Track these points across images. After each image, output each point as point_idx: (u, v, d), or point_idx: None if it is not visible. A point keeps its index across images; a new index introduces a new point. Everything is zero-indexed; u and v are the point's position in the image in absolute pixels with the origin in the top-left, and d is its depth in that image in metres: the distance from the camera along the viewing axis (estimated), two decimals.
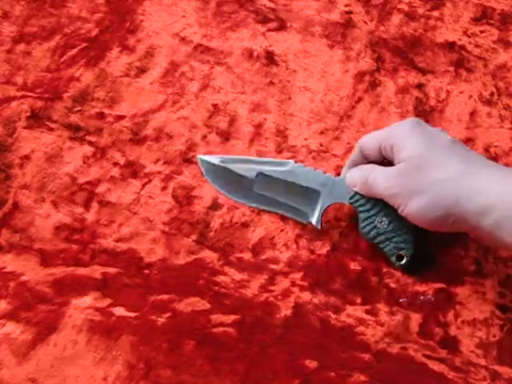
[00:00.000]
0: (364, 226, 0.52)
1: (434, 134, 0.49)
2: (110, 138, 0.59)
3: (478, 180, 0.45)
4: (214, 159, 0.56)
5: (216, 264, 0.53)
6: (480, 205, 0.44)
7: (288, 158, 0.57)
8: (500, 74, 0.62)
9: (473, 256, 0.54)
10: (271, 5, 0.65)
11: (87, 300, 0.51)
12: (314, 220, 0.53)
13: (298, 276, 0.53)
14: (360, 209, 0.52)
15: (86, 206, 0.56)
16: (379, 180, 0.49)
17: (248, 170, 0.55)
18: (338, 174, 0.57)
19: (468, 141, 0.59)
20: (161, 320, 0.51)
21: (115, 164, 0.57)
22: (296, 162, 0.55)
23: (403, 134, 0.49)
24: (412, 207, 0.47)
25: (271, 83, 0.61)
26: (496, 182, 0.45)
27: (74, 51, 0.62)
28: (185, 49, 0.63)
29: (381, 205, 0.52)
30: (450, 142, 0.48)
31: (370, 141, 0.51)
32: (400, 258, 0.52)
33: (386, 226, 0.52)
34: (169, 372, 0.49)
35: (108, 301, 0.51)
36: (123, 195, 0.56)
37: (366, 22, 0.64)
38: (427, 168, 0.46)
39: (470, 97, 0.61)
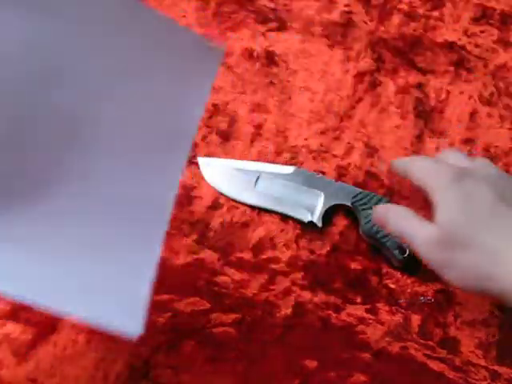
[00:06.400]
0: (366, 223, 0.53)
1: (475, 196, 0.43)
2: None
3: None
4: (215, 161, 0.57)
5: (216, 264, 0.53)
6: None
7: (288, 159, 0.57)
8: (500, 73, 0.62)
9: None
10: (271, 5, 0.65)
11: None
12: (315, 219, 0.54)
13: (298, 276, 0.53)
14: (362, 207, 0.53)
15: None
16: (419, 242, 0.44)
17: (250, 170, 0.56)
18: (340, 175, 0.57)
19: (468, 141, 0.59)
20: (161, 320, 0.51)
21: None
22: (298, 167, 0.56)
23: (439, 191, 0.44)
24: (449, 278, 0.44)
25: (271, 83, 0.61)
26: None
27: None
28: None
29: (383, 202, 0.53)
30: (491, 203, 0.43)
31: (412, 175, 0.48)
32: (402, 251, 0.52)
33: None
34: (169, 372, 0.49)
35: None
36: None
37: (365, 22, 0.64)
38: (463, 242, 0.42)
39: (470, 97, 0.61)
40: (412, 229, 0.45)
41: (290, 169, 0.56)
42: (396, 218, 0.47)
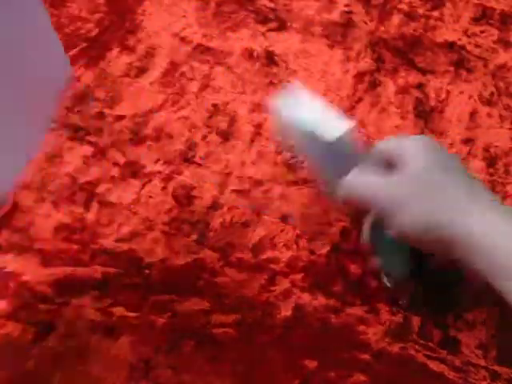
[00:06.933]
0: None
1: (446, 159, 0.46)
2: (110, 138, 0.59)
3: (475, 223, 0.42)
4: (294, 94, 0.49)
5: (216, 264, 0.53)
6: (473, 249, 0.42)
7: (288, 159, 0.57)
8: (500, 73, 0.62)
9: None
10: (271, 5, 0.65)
11: (87, 300, 0.51)
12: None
13: (298, 277, 0.53)
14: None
15: (86, 205, 0.56)
16: (376, 188, 0.46)
17: (309, 123, 0.48)
18: None
19: (468, 141, 0.59)
20: (161, 320, 0.51)
21: (115, 164, 0.57)
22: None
23: (415, 150, 0.46)
24: (401, 223, 0.44)
25: (271, 83, 0.61)
26: (492, 232, 0.42)
27: (74, 51, 0.62)
28: (185, 49, 0.63)
29: None
30: (460, 170, 0.45)
31: (382, 146, 0.48)
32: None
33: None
34: (169, 372, 0.49)
35: (108, 301, 0.51)
36: (123, 195, 0.56)
37: (365, 22, 0.64)
38: (427, 192, 0.44)
39: (470, 97, 0.61)
40: (372, 180, 0.46)
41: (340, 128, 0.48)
42: (358, 182, 0.47)
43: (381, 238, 0.48)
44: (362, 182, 0.47)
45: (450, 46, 0.63)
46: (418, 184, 0.45)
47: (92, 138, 0.59)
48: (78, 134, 0.59)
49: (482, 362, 0.50)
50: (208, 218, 0.55)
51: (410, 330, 0.51)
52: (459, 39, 0.63)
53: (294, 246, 0.54)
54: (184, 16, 0.64)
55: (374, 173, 0.47)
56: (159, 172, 0.57)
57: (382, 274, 0.52)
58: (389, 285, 0.52)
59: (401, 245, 0.47)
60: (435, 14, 0.65)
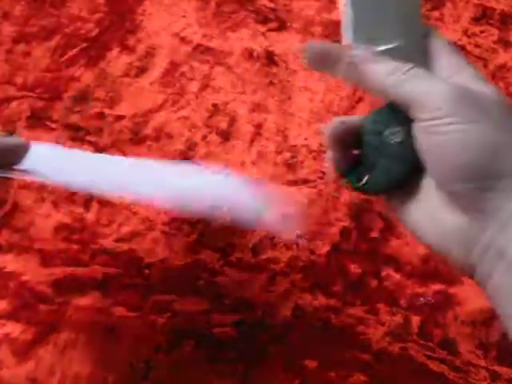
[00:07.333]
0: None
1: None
2: (110, 138, 0.59)
3: None
4: None
5: (216, 264, 0.53)
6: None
7: (288, 158, 0.57)
8: (500, 74, 0.62)
9: None
10: (271, 5, 0.65)
11: (87, 300, 0.51)
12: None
13: (298, 277, 0.53)
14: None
15: (86, 205, 0.56)
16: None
17: None
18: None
19: None
20: (161, 320, 0.51)
21: None
22: None
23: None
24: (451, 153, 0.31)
25: (271, 83, 0.61)
26: None
27: (74, 51, 0.62)
28: (185, 49, 0.63)
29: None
30: None
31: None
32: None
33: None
34: (169, 372, 0.49)
35: (108, 301, 0.51)
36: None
37: None
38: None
39: None
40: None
41: None
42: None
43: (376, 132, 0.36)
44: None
45: None
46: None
47: (92, 138, 0.59)
48: (78, 133, 0.59)
49: (482, 362, 0.50)
50: (208, 217, 0.55)
51: (410, 330, 0.51)
52: (459, 39, 0.63)
53: (294, 246, 0.54)
54: (184, 16, 0.64)
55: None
56: None
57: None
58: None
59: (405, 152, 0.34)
60: (435, 14, 0.65)
